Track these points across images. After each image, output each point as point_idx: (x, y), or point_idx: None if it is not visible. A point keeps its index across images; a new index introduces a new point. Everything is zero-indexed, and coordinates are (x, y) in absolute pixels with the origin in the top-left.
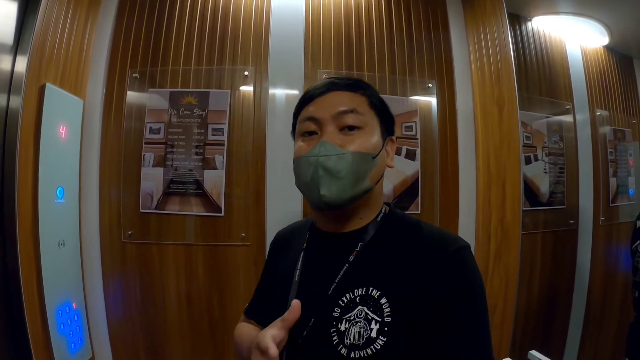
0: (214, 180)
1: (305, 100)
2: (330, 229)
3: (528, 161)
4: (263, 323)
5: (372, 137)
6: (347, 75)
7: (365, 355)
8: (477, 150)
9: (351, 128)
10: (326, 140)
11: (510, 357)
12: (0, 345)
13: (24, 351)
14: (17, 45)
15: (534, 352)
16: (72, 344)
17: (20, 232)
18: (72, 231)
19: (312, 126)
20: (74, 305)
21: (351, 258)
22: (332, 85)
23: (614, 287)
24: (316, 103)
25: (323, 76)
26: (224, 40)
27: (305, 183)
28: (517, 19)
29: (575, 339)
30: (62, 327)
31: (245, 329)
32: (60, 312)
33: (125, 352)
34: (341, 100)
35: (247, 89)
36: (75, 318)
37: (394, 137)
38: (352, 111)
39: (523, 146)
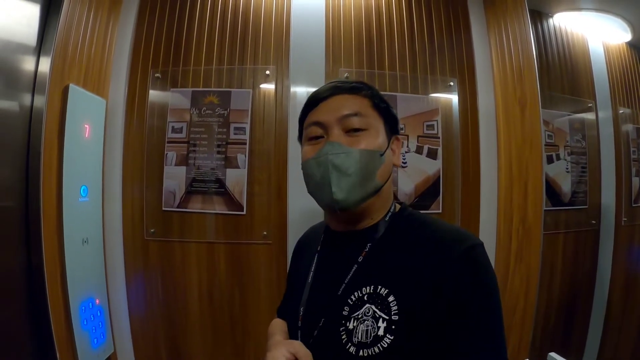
0: (236, 178)
1: (310, 105)
2: (342, 229)
3: (550, 160)
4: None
5: (377, 138)
6: (355, 78)
7: (373, 353)
8: (498, 149)
9: (356, 130)
10: (334, 140)
11: (529, 359)
12: (25, 340)
13: (47, 345)
14: (41, 47)
15: (553, 355)
16: (95, 339)
17: (44, 230)
18: (95, 229)
19: (318, 130)
20: (97, 301)
21: (360, 259)
22: (336, 89)
23: (635, 289)
24: (321, 108)
25: (344, 75)
26: (245, 39)
27: (317, 183)
28: (539, 16)
29: (595, 342)
30: (85, 323)
31: (278, 322)
32: (83, 307)
33: (147, 348)
34: (345, 104)
35: (269, 87)
36: (98, 314)
37: (399, 136)
38: (355, 114)
39: (545, 145)
